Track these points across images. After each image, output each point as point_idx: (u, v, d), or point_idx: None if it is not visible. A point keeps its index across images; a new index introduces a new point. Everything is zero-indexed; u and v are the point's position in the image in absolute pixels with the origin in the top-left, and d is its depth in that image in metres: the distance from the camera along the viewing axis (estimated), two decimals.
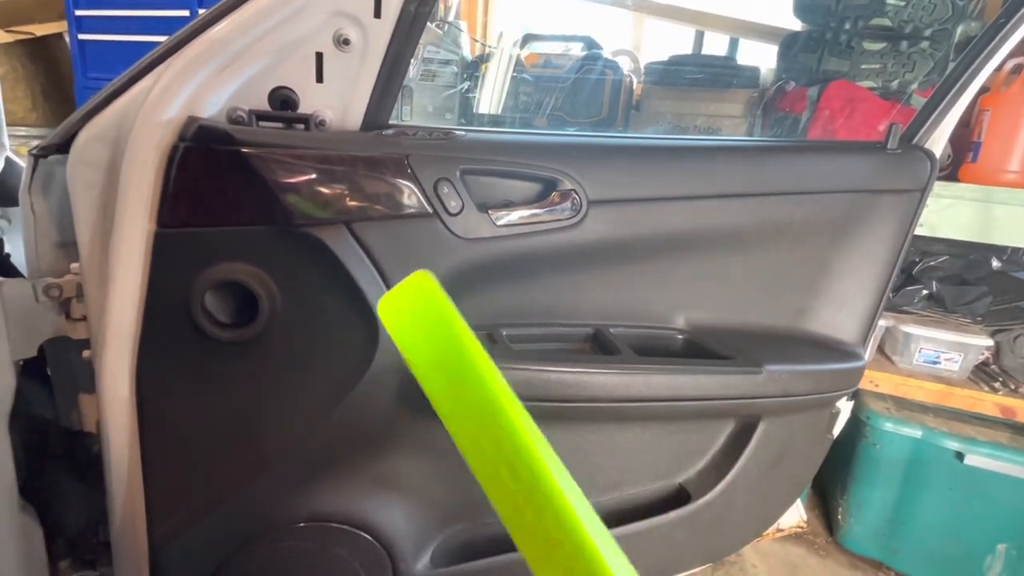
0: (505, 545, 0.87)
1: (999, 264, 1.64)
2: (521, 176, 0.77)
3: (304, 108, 0.71)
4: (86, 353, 0.73)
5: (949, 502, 1.54)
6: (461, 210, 0.73)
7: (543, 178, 0.78)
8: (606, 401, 0.81)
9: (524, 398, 0.83)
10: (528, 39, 2.29)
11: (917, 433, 1.54)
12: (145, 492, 0.72)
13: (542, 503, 0.22)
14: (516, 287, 0.82)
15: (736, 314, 0.95)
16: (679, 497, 0.94)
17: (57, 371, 0.83)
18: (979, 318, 1.63)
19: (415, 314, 0.26)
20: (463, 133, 0.78)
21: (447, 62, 2.05)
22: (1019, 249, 1.60)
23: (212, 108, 0.66)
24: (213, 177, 0.65)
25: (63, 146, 0.67)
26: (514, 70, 2.08)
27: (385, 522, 0.81)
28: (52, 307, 0.74)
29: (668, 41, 2.60)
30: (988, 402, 1.51)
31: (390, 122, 0.77)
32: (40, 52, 2.39)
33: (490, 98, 2.04)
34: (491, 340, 0.81)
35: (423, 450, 0.83)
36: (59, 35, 2.37)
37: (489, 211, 0.75)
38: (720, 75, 2.01)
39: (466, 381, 0.24)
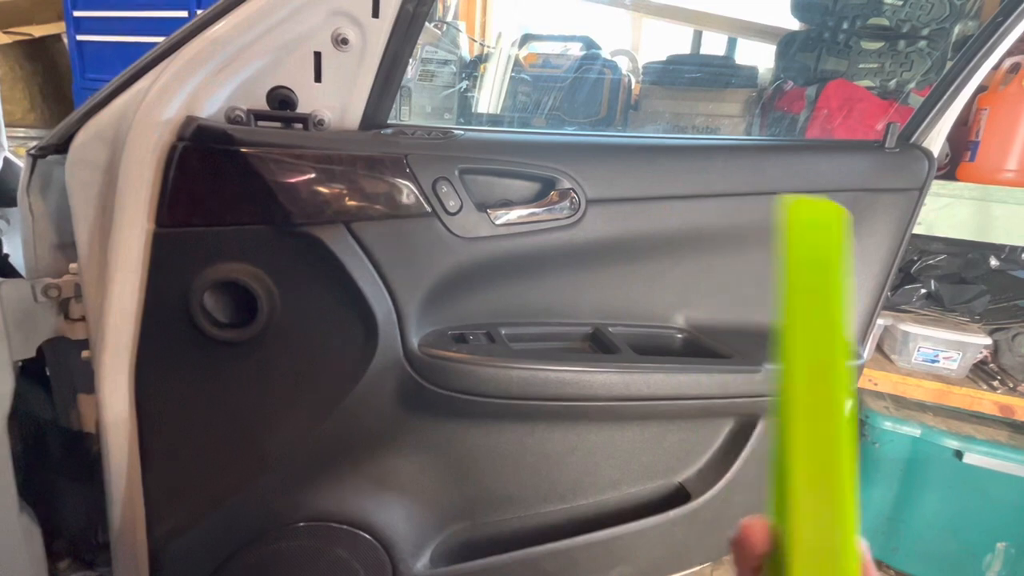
0: (504, 545, 0.87)
1: (997, 263, 1.64)
2: (520, 175, 0.77)
3: (303, 108, 0.71)
4: (85, 354, 0.73)
5: (948, 500, 1.54)
6: (460, 209, 0.73)
7: (542, 177, 0.78)
8: (605, 400, 0.81)
9: (523, 397, 0.83)
10: (527, 39, 2.29)
11: (916, 432, 1.54)
12: (144, 492, 0.71)
13: (832, 437, 0.25)
14: (515, 286, 0.82)
15: (735, 313, 0.95)
16: (679, 496, 0.94)
17: (56, 372, 0.83)
18: (977, 317, 1.64)
19: (814, 229, 0.28)
20: (461, 132, 0.78)
21: (446, 62, 2.05)
22: (1017, 248, 1.61)
23: (211, 108, 0.66)
24: (212, 177, 0.65)
25: (61, 146, 0.67)
26: (513, 70, 2.08)
27: (385, 522, 0.81)
28: (51, 307, 0.74)
29: (666, 41, 2.60)
30: (987, 400, 1.51)
31: (388, 122, 0.77)
32: (38, 53, 2.39)
33: (489, 98, 2.04)
34: (490, 339, 0.81)
35: (423, 450, 0.83)
36: (57, 36, 2.36)
37: (488, 210, 0.75)
38: (718, 75, 2.01)
39: (823, 307, 0.27)
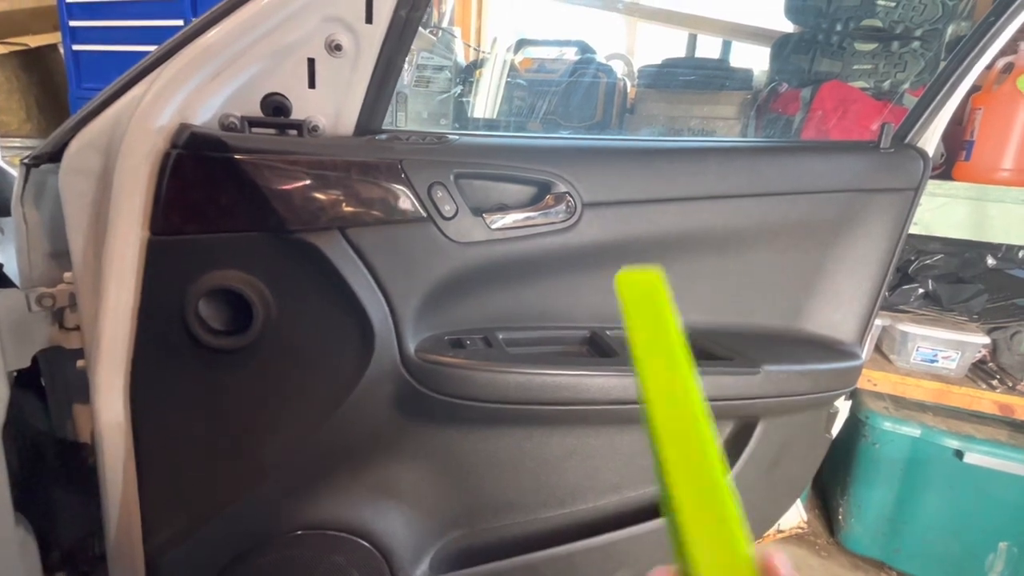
0: (503, 551, 0.87)
1: (994, 262, 1.65)
2: (515, 179, 0.77)
3: (297, 114, 0.71)
4: (80, 363, 0.72)
5: (949, 500, 1.54)
6: (455, 214, 0.73)
7: (537, 181, 0.78)
8: (604, 404, 0.81)
9: (521, 402, 0.83)
10: (522, 44, 2.30)
11: (916, 432, 1.54)
12: (140, 503, 0.71)
13: (706, 470, 0.28)
14: (511, 290, 0.81)
15: (733, 315, 0.95)
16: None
17: (51, 381, 0.83)
18: (975, 316, 1.64)
19: (642, 297, 0.32)
20: (457, 137, 0.78)
21: (441, 68, 2.06)
22: (1014, 246, 1.61)
23: (204, 115, 0.66)
24: (206, 184, 0.64)
25: (55, 155, 0.67)
26: (508, 75, 2.09)
27: (383, 529, 0.81)
28: (45, 317, 0.73)
29: (661, 45, 2.61)
30: (986, 400, 1.51)
31: (383, 127, 0.77)
32: (34, 63, 2.39)
33: (485, 103, 2.05)
34: (487, 344, 0.80)
35: (421, 456, 0.83)
36: (53, 46, 2.37)
37: (483, 215, 0.75)
38: (713, 78, 2.02)
39: (670, 363, 0.31)
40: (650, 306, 0.32)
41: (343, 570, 0.79)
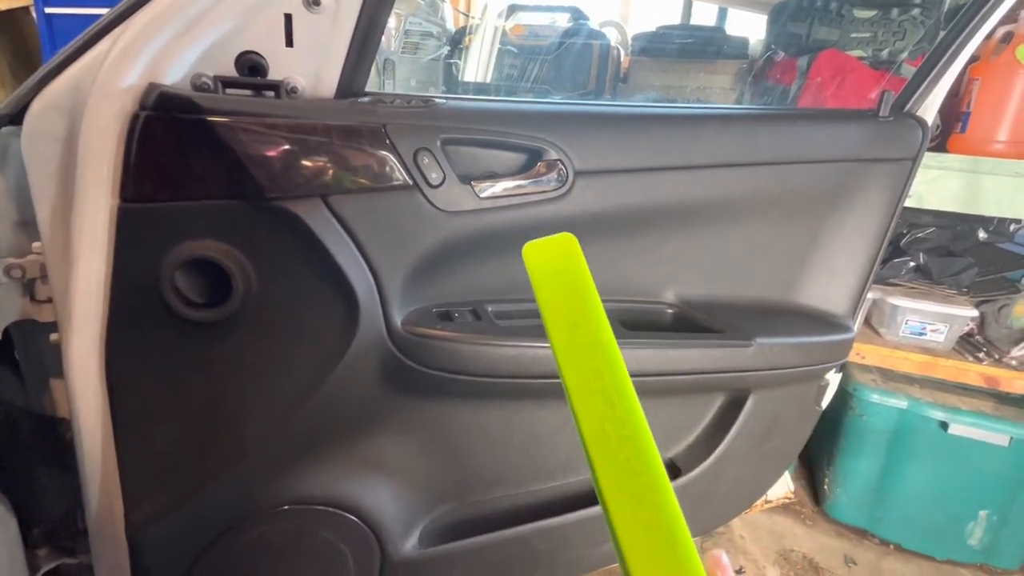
0: (493, 524, 0.86)
1: (985, 235, 1.65)
2: (505, 146, 0.74)
3: (274, 74, 0.67)
4: (54, 337, 0.70)
5: (933, 470, 1.57)
6: (442, 182, 0.70)
7: (528, 148, 0.75)
8: None
9: (511, 375, 0.81)
10: (513, 10, 2.23)
11: (903, 404, 1.56)
12: (120, 478, 0.69)
13: (629, 434, 0.26)
14: (501, 261, 0.79)
15: (726, 287, 0.93)
16: (669, 471, 0.93)
17: (25, 355, 0.80)
18: (965, 289, 1.64)
19: (553, 263, 0.31)
20: (443, 101, 0.75)
21: (429, 34, 1.99)
22: (1006, 220, 1.61)
23: (175, 74, 0.62)
24: (178, 148, 0.61)
25: (16, 117, 0.63)
26: (499, 42, 2.03)
27: (371, 503, 0.80)
28: (15, 289, 0.70)
29: (656, 11, 2.54)
30: (973, 372, 1.52)
31: (366, 90, 0.73)
32: (6, 27, 2.29)
33: (475, 71, 1.99)
34: (475, 316, 0.78)
35: (409, 430, 0.82)
36: (26, 9, 2.26)
37: (472, 183, 0.72)
38: (708, 46, 1.97)
39: (584, 325, 0.29)
40: (564, 274, 0.31)
41: (331, 545, 0.79)
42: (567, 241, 0.32)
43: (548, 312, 0.30)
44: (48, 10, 2.04)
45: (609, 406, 0.27)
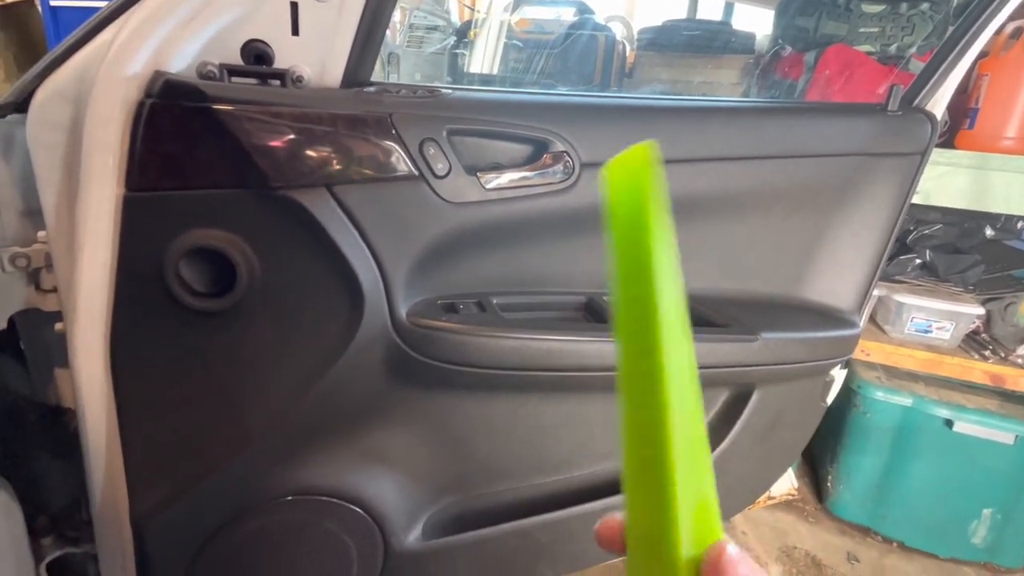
0: (497, 517, 0.86)
1: (992, 232, 1.63)
2: (511, 137, 0.74)
3: (280, 63, 0.67)
4: (59, 326, 0.70)
5: (937, 468, 1.56)
6: (448, 172, 0.70)
7: (534, 139, 0.74)
8: (600, 370, 0.79)
9: (516, 368, 0.81)
10: (519, 4, 2.22)
11: (907, 401, 1.55)
12: (125, 468, 0.69)
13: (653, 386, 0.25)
14: (507, 253, 0.79)
15: (732, 281, 0.93)
16: None
17: (31, 345, 0.80)
18: (971, 287, 1.63)
19: (629, 184, 0.27)
20: (449, 91, 0.74)
21: (434, 28, 1.99)
22: (1013, 217, 1.59)
23: (180, 62, 0.62)
24: (183, 137, 0.61)
25: (21, 105, 0.63)
26: (504, 36, 2.02)
27: (375, 495, 0.80)
28: (20, 278, 0.70)
29: (662, 5, 2.53)
30: (978, 370, 1.51)
31: (372, 80, 0.73)
32: (11, 20, 2.29)
33: (480, 65, 1.98)
34: (480, 308, 0.78)
35: (413, 422, 0.82)
36: (31, 2, 2.27)
37: (477, 174, 0.72)
38: (715, 41, 1.96)
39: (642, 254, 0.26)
40: (631, 203, 0.26)
41: (335, 536, 0.79)
42: (644, 152, 0.27)
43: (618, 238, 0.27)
44: (53, 2, 2.05)
45: (644, 356, 0.26)
